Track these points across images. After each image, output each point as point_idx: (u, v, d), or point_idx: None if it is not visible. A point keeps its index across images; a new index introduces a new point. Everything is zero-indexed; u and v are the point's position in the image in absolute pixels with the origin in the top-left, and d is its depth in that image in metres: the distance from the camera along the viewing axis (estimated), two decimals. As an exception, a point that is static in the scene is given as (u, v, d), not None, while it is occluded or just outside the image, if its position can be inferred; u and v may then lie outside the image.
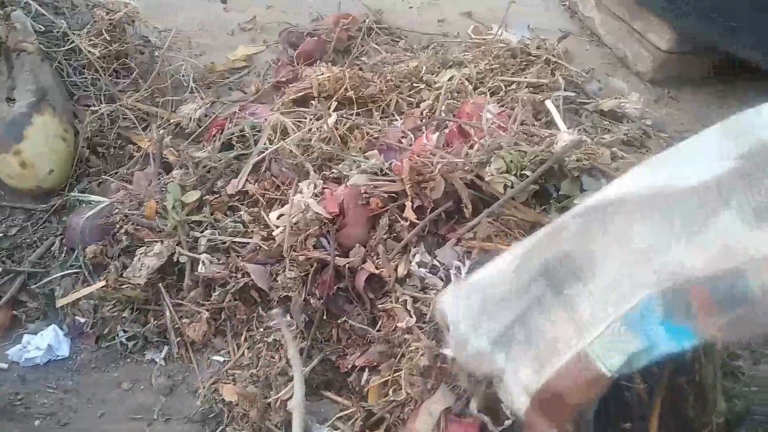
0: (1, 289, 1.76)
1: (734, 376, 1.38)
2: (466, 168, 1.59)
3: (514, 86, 2.14)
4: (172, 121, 2.18)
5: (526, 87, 2.14)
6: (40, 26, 2.29)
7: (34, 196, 1.99)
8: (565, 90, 2.24)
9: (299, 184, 1.73)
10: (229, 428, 1.52)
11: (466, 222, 1.61)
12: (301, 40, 2.64)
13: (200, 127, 2.15)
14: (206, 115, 2.21)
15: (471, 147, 1.67)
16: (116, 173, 2.04)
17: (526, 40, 2.49)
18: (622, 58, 2.73)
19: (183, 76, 2.41)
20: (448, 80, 2.12)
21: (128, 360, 1.68)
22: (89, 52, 2.26)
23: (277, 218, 1.70)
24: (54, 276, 1.77)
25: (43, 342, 1.64)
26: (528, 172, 1.56)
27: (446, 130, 1.83)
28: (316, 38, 2.58)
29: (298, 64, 2.44)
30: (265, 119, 2.00)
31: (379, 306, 1.59)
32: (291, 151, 1.82)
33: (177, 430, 1.55)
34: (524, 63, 2.33)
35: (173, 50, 2.57)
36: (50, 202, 1.99)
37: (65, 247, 1.87)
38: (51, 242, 1.89)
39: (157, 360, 1.67)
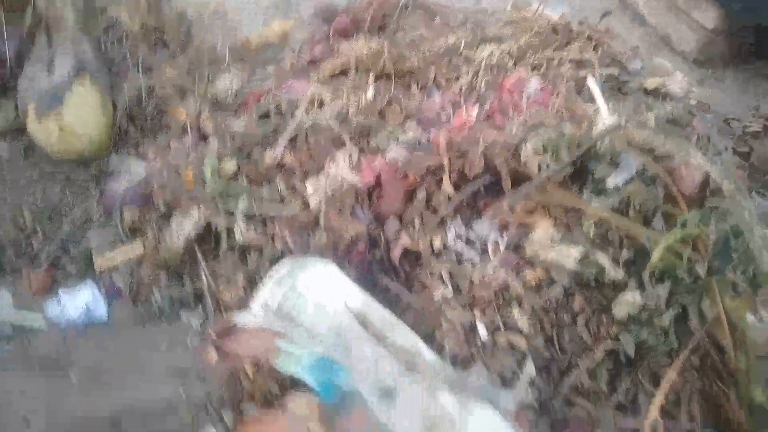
0: (42, 252, 1.80)
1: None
2: (505, 144, 1.57)
3: (555, 62, 2.10)
4: (208, 93, 2.19)
5: (569, 63, 2.10)
6: (81, -1, 2.32)
7: (75, 164, 2.03)
8: (608, 67, 2.20)
9: (335, 155, 1.73)
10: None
11: (504, 197, 1.59)
12: (336, 17, 2.64)
13: (236, 99, 2.16)
14: (242, 88, 2.22)
15: (511, 123, 1.65)
16: (154, 143, 2.06)
17: (567, 17, 2.44)
18: (666, 37, 2.66)
19: (219, 50, 2.43)
20: (488, 55, 2.09)
21: (164, 322, 1.70)
22: (128, 25, 2.28)
23: (313, 188, 1.70)
24: (92, 240, 1.81)
25: (83, 302, 1.68)
26: (564, 153, 1.53)
27: (486, 105, 1.81)
28: (351, 15, 2.56)
29: (333, 40, 2.44)
30: (302, 92, 2.00)
31: (413, 277, 1.59)
32: (328, 123, 1.81)
33: (211, 390, 1.57)
34: (566, 40, 2.29)
35: (209, 25, 2.59)
36: (89, 170, 2.02)
37: (104, 213, 1.90)
38: (90, 207, 1.92)
39: (194, 322, 1.70)
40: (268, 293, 1.49)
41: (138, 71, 2.24)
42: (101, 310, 1.69)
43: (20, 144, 2.08)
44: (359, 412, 1.20)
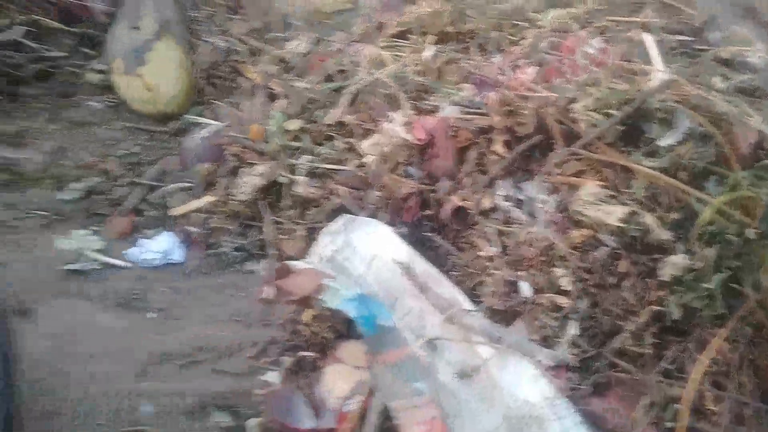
0: (124, 199, 1.98)
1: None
2: (557, 103, 1.57)
3: (622, 26, 2.04)
4: (279, 56, 2.29)
5: (638, 28, 2.03)
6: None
7: (156, 119, 2.20)
8: (681, 34, 2.11)
9: (391, 114, 1.78)
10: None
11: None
12: (404, -19, 2.66)
13: (304, 62, 2.24)
14: (310, 52, 2.30)
15: (565, 82, 1.64)
16: (227, 102, 2.20)
17: (641, -20, 2.35)
18: (750, 8, 2.50)
19: (291, 15, 2.52)
20: (553, 18, 2.06)
21: (232, 269, 1.84)
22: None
23: (369, 146, 1.77)
24: (170, 189, 1.97)
25: (160, 246, 1.84)
26: (614, 111, 1.51)
27: (545, 67, 1.80)
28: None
29: (402, 4, 2.47)
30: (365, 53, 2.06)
31: (462, 236, 1.64)
32: (386, 83, 1.86)
33: (272, 335, 1.68)
34: (637, 5, 2.21)
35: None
36: (168, 125, 2.18)
37: (181, 166, 2.06)
38: (168, 160, 2.09)
39: (258, 271, 1.82)
40: (322, 245, 1.58)
41: (215, 33, 2.38)
42: (176, 254, 1.85)
43: (107, 99, 2.27)
44: (400, 347, 1.27)
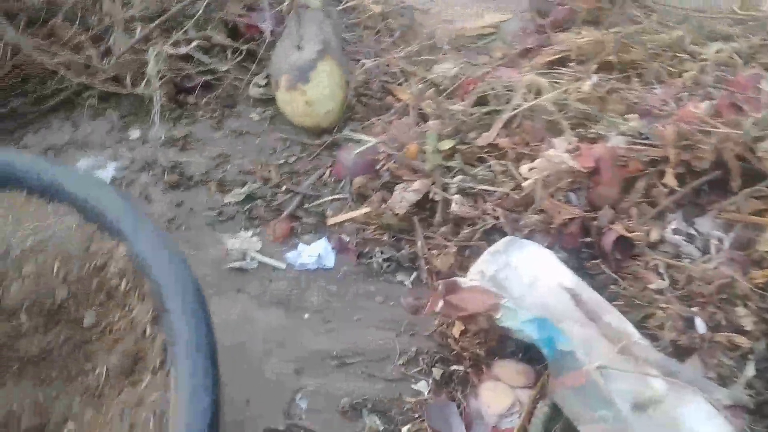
0: (284, 205, 2.10)
1: None
2: (739, 141, 1.54)
3: (794, 63, 1.98)
4: (428, 78, 2.37)
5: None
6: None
7: (310, 133, 2.32)
8: None
9: (552, 140, 1.80)
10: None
11: (730, 195, 1.56)
12: (549, 9, 2.70)
13: (453, 84, 2.31)
14: (458, 75, 2.37)
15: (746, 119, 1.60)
16: (378, 120, 2.30)
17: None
18: None
19: (436, 39, 2.61)
20: (716, 52, 2.03)
21: (381, 278, 1.91)
22: (368, 10, 2.55)
23: (529, 170, 1.80)
24: (326, 199, 2.08)
25: (315, 251, 1.94)
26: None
27: (717, 101, 1.76)
28: (567, 7, 2.61)
29: (548, 31, 2.50)
30: (520, 78, 2.10)
31: (624, 267, 1.63)
32: (546, 109, 1.89)
33: (419, 345, 1.74)
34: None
35: (428, 15, 2.79)
36: (322, 139, 2.30)
37: (333, 177, 2.17)
38: (322, 172, 2.20)
39: (406, 282, 1.88)
40: (483, 263, 1.62)
41: (366, 55, 2.51)
42: (330, 260, 1.94)
43: (267, 111, 2.43)
44: (578, 372, 1.28)
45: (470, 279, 1.60)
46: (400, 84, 2.42)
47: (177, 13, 2.30)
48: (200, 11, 2.35)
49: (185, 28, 2.34)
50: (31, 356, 1.38)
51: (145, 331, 1.34)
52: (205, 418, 1.14)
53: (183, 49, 2.29)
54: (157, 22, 2.29)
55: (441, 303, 1.49)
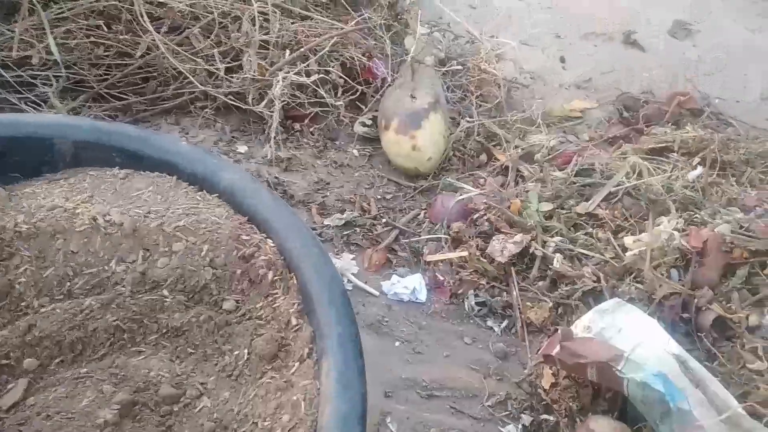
0: (381, 236, 2.19)
1: None
2: None
3: None
4: (524, 145, 2.52)
5: None
6: (439, 48, 2.83)
7: (407, 175, 2.45)
8: None
9: (659, 218, 1.92)
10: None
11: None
12: (635, 105, 2.89)
13: (551, 154, 2.45)
14: (554, 147, 2.51)
15: None
16: (474, 174, 2.43)
17: None
18: None
19: (531, 112, 2.78)
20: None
21: (471, 321, 1.98)
22: (469, 76, 2.74)
23: (633, 242, 1.90)
24: (423, 237, 2.17)
25: (410, 284, 2.01)
26: None
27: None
28: (657, 106, 2.80)
29: (638, 123, 2.68)
30: (613, 158, 2.25)
31: (720, 346, 1.70)
32: (651, 189, 2.02)
33: (508, 390, 1.78)
34: None
35: (522, 90, 2.99)
36: (418, 182, 2.43)
37: (428, 218, 2.27)
38: (417, 212, 2.31)
39: (496, 329, 1.95)
40: (589, 320, 1.69)
41: (465, 114, 2.67)
42: (423, 295, 2.01)
43: (367, 149, 2.57)
44: (696, 428, 1.33)
45: (576, 333, 1.67)
46: (495, 145, 2.56)
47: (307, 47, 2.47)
48: (326, 49, 2.53)
49: (309, 62, 2.51)
50: (171, 329, 1.44)
51: (289, 321, 1.40)
52: (357, 407, 1.19)
53: (304, 80, 2.44)
54: (292, 54, 2.46)
55: (558, 347, 1.55)
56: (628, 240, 1.91)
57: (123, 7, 2.40)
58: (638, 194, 2.04)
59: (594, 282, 1.88)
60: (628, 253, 1.88)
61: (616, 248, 1.95)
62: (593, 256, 1.96)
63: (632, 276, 1.86)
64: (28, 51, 2.27)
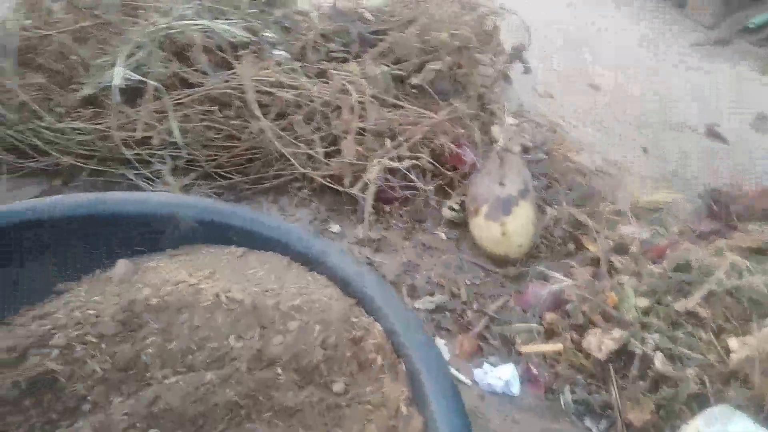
0: (473, 322, 2.20)
1: None
2: None
3: None
4: (614, 236, 2.51)
5: None
6: (525, 137, 2.92)
7: (496, 261, 2.47)
8: None
9: (766, 320, 1.86)
10: None
11: None
12: (724, 199, 2.86)
13: (644, 247, 2.43)
14: (646, 240, 2.49)
15: None
16: (562, 263, 2.43)
17: None
18: None
19: (618, 202, 2.79)
20: None
21: (567, 419, 1.93)
22: (553, 165, 2.79)
23: (740, 345, 1.84)
24: (516, 325, 2.16)
25: (504, 375, 1.99)
26: None
27: None
28: (746, 200, 2.75)
29: (729, 218, 2.64)
30: (717, 254, 2.20)
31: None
32: (755, 290, 1.96)
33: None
34: None
35: (607, 179, 3.01)
36: (506, 269, 2.44)
37: (517, 306, 2.27)
38: (506, 299, 2.31)
39: (594, 429, 1.89)
40: (697, 426, 1.62)
41: (551, 202, 2.70)
42: (516, 387, 1.99)
43: (454, 232, 2.62)
44: None
45: (686, 438, 1.60)
46: (581, 234, 2.56)
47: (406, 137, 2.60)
48: (418, 136, 2.64)
49: (400, 147, 2.63)
50: (284, 408, 1.47)
51: (398, 409, 1.41)
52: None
53: (397, 164, 2.55)
54: (392, 142, 2.59)
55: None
56: (732, 342, 1.85)
57: (234, 94, 2.60)
58: (739, 294, 1.99)
59: (699, 385, 1.81)
60: (733, 356, 1.82)
61: (719, 350, 1.89)
62: (695, 357, 1.90)
63: (739, 381, 1.79)
64: (149, 132, 2.47)
